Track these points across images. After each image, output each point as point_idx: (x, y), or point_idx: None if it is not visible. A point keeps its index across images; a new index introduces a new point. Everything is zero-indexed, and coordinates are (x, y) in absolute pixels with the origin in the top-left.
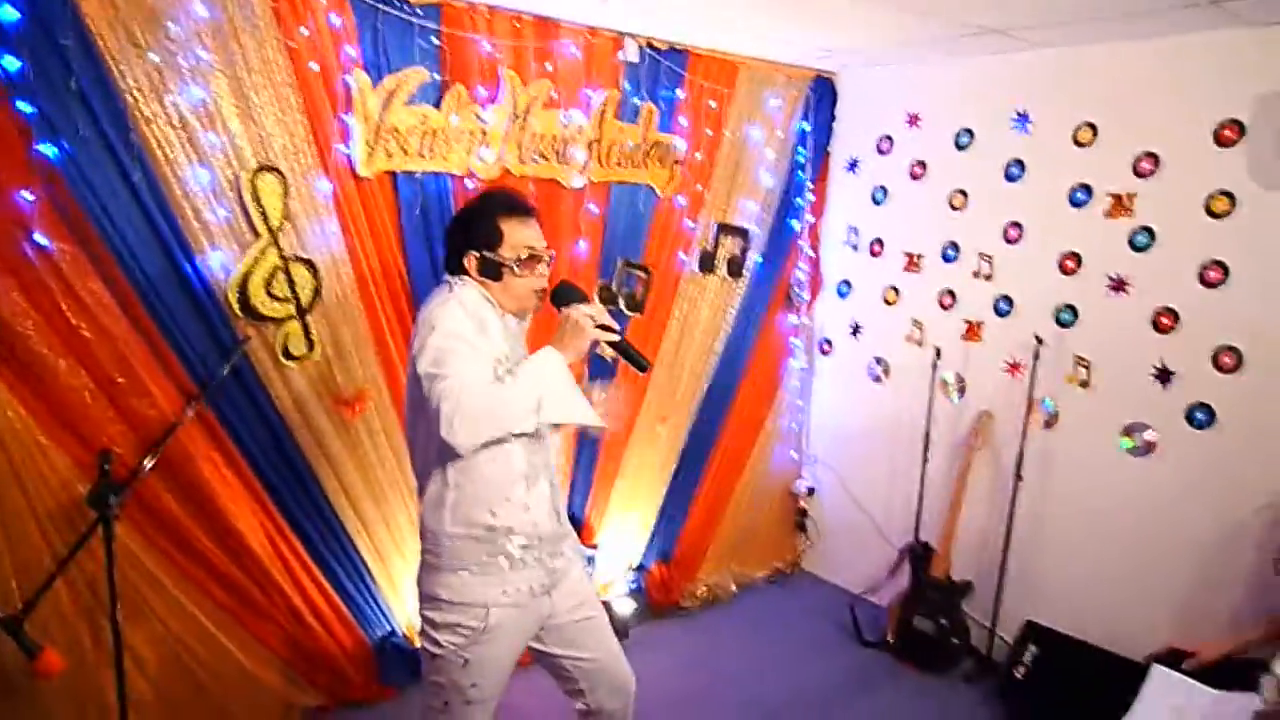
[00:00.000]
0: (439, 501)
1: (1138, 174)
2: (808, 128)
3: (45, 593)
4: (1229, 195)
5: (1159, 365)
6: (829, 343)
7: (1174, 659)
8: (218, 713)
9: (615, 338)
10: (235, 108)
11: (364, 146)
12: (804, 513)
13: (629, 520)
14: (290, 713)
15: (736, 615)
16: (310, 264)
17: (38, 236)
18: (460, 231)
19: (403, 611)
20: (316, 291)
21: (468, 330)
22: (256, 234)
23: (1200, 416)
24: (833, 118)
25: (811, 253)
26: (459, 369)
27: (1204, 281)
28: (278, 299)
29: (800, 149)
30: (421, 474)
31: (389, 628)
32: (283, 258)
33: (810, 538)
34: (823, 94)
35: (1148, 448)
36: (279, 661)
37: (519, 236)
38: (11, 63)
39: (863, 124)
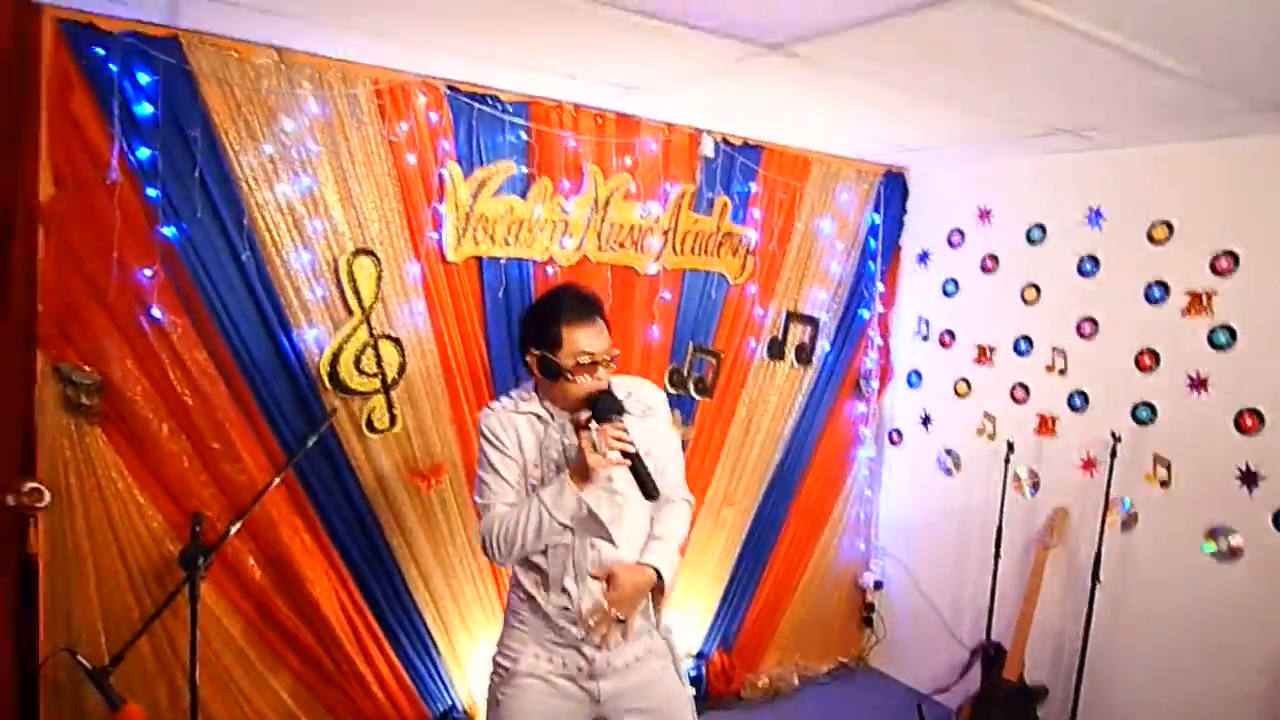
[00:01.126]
0: (485, 543)
1: (1216, 272)
2: (879, 220)
3: (131, 648)
4: None
5: (1243, 467)
6: (899, 433)
7: None
8: None
9: (622, 464)
10: (338, 195)
11: (454, 233)
12: (871, 606)
13: (690, 605)
14: None
15: (799, 709)
16: (398, 342)
17: (154, 310)
18: (526, 328)
19: (464, 685)
20: (402, 368)
21: (496, 458)
22: (350, 312)
23: None
24: (904, 211)
25: (881, 342)
26: (489, 501)
27: None
28: (365, 374)
29: (871, 240)
30: None
31: (450, 701)
32: (372, 335)
33: (877, 633)
34: (893, 188)
35: (1233, 552)
36: None
37: (578, 342)
38: (144, 152)
39: (934, 217)
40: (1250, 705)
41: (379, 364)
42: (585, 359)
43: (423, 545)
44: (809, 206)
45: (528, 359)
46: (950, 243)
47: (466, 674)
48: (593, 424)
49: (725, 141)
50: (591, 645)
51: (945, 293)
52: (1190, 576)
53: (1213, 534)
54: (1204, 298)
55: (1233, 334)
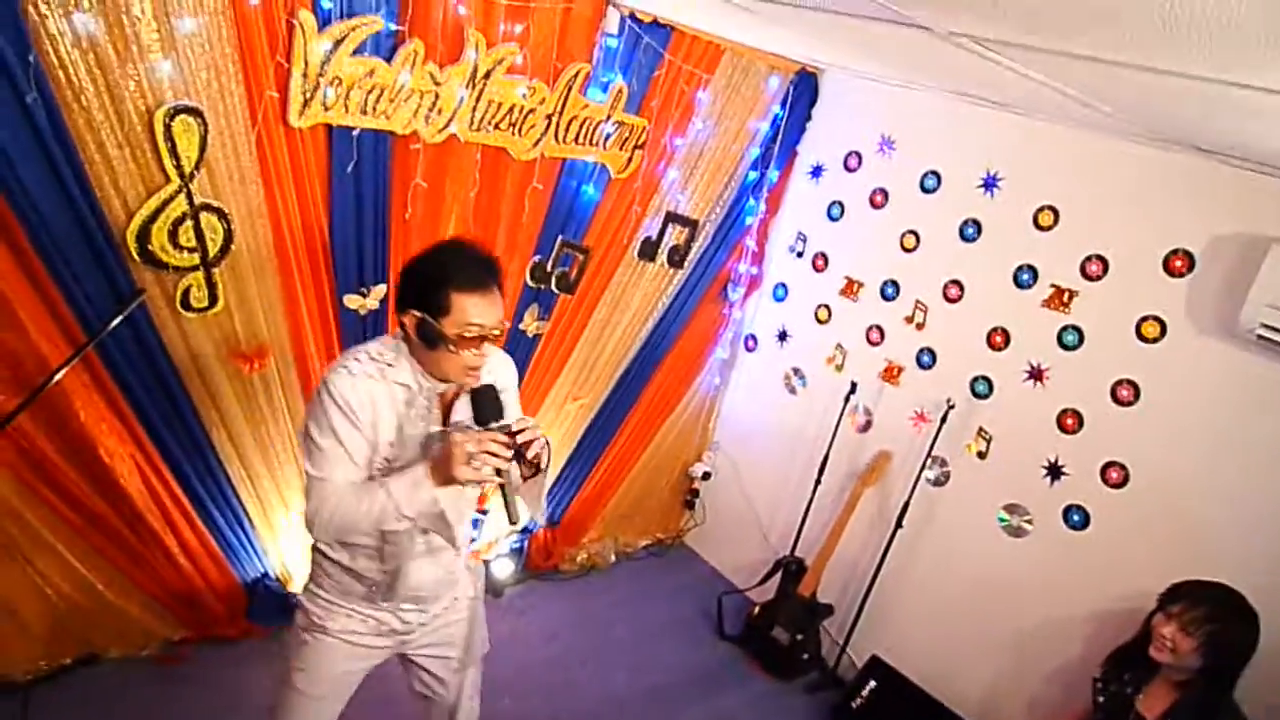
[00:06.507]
0: (312, 520)
1: (1084, 274)
2: (782, 119)
3: None
4: (1161, 322)
5: (1052, 460)
6: (754, 339)
7: None
8: (78, 641)
9: (497, 482)
10: (157, 35)
11: (299, 94)
12: (695, 492)
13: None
14: (150, 642)
15: (611, 582)
16: (223, 214)
17: None
18: (408, 285)
19: (278, 555)
20: (227, 243)
21: (343, 429)
22: (167, 177)
23: (1076, 518)
24: (808, 117)
25: (756, 248)
26: (324, 475)
27: (1115, 397)
28: (183, 248)
29: (770, 144)
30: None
31: (263, 569)
32: (193, 205)
33: (696, 517)
34: (803, 89)
35: (1021, 531)
36: (143, 595)
37: (469, 313)
38: None
39: (836, 132)
40: (993, 662)
41: (199, 238)
42: (473, 331)
43: (239, 423)
44: (712, 100)
45: (404, 319)
46: (847, 166)
47: (281, 544)
48: (469, 427)
49: (633, 17)
50: (415, 609)
51: (830, 215)
52: (980, 541)
53: (1011, 509)
54: (1066, 295)
55: (1081, 336)
